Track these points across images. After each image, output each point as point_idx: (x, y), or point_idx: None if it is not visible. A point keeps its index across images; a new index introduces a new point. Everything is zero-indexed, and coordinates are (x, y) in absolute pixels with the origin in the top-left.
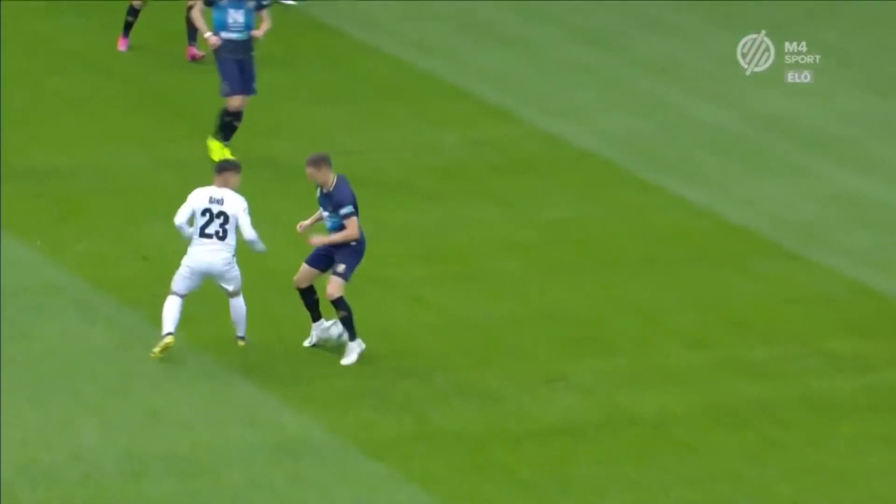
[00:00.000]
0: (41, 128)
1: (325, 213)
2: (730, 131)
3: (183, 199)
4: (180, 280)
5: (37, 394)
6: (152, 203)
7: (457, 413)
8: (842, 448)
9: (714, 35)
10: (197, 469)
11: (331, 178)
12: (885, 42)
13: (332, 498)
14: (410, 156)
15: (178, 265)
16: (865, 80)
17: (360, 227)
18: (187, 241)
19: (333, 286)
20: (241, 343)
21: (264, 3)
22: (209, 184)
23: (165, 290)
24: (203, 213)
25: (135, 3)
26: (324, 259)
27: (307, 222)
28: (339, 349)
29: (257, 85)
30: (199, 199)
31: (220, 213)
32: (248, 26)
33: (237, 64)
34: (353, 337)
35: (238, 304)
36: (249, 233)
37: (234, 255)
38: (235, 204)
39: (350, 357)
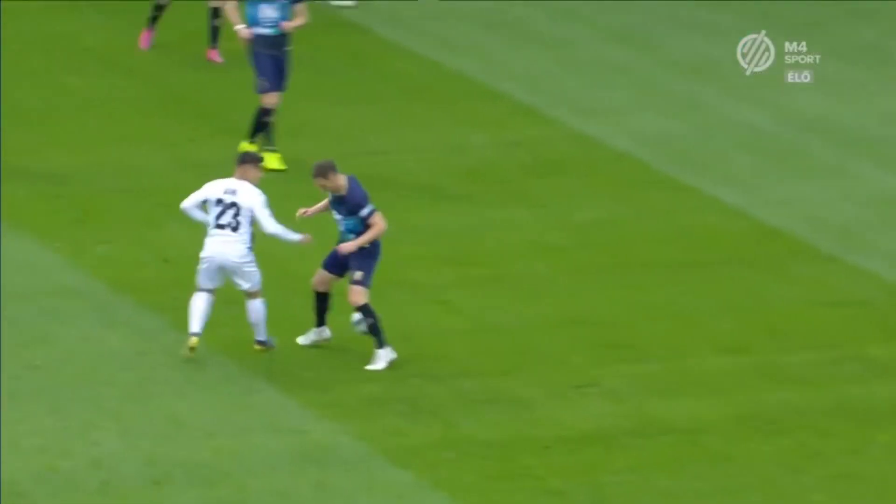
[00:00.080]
0: (60, 128)
1: (340, 217)
2: (766, 131)
3: None
4: (201, 274)
5: (55, 400)
6: (173, 204)
7: (485, 420)
8: (879, 456)
9: (748, 34)
10: (219, 477)
11: (342, 182)
12: None
13: None
14: (438, 157)
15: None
16: None
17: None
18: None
19: (356, 295)
20: (257, 348)
21: None
22: None
23: (187, 294)
24: (217, 204)
25: None
26: (340, 264)
27: (310, 210)
28: (365, 354)
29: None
30: (213, 189)
31: (233, 204)
32: (283, 21)
33: (272, 59)
34: (381, 344)
35: (256, 307)
36: (271, 227)
37: (249, 250)
38: (250, 197)
39: (377, 364)
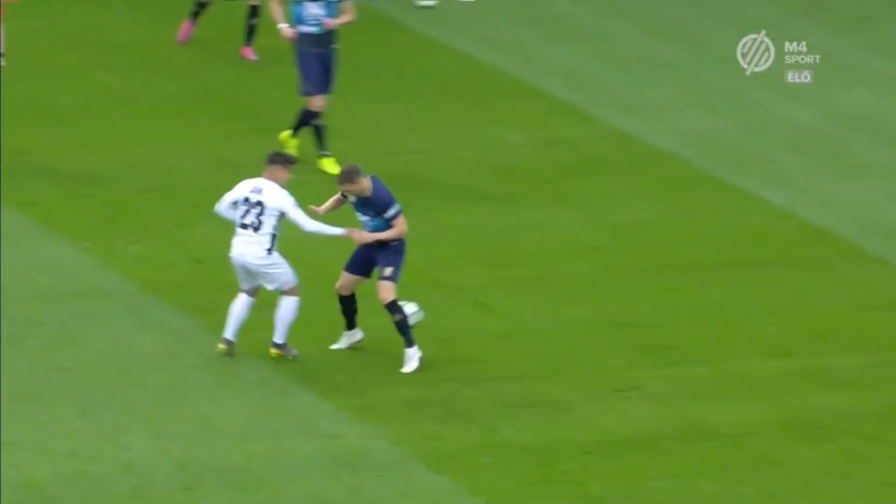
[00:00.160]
0: (90, 126)
1: (365, 218)
2: (812, 129)
3: None
4: (237, 275)
5: (86, 403)
6: (206, 204)
7: (524, 424)
8: None
9: (796, 28)
10: (252, 481)
11: (367, 184)
12: None
13: None
14: (476, 155)
15: (231, 268)
16: None
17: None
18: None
19: (385, 290)
20: (272, 352)
21: None
22: None
23: (219, 295)
24: (243, 203)
25: None
26: (364, 264)
27: (321, 209)
28: (400, 356)
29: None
30: (241, 188)
31: (258, 203)
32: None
33: (318, 59)
34: (410, 343)
35: (282, 304)
36: (310, 225)
37: (269, 252)
38: (277, 198)
39: (410, 364)
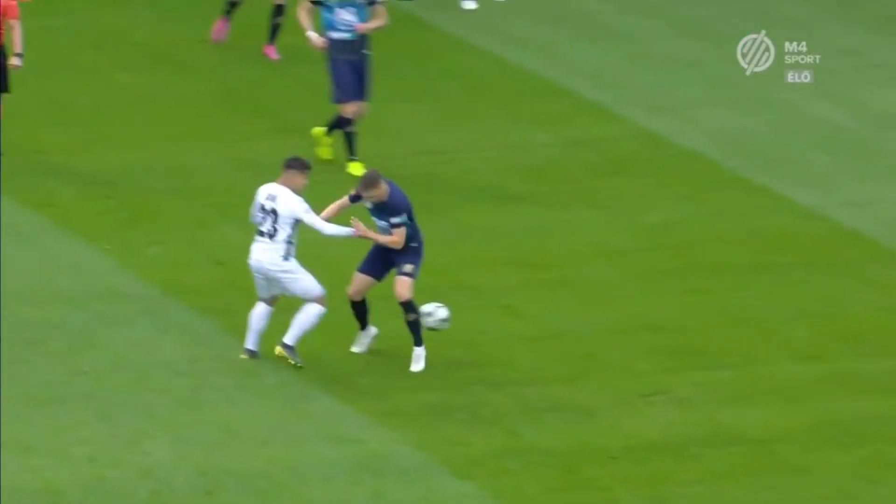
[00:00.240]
0: (109, 126)
1: (382, 223)
2: (844, 129)
3: None
4: (255, 283)
5: (105, 407)
6: (227, 205)
7: (549, 428)
8: None
9: (828, 28)
10: (273, 487)
11: (385, 189)
12: None
13: None
14: (501, 156)
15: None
16: None
17: (418, 228)
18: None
19: (403, 287)
20: (277, 349)
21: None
22: None
23: (240, 297)
24: (260, 210)
25: None
26: (378, 265)
27: (323, 214)
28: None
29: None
30: (260, 194)
31: (272, 210)
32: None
33: (350, 66)
34: (419, 342)
35: (306, 309)
36: (327, 229)
37: (285, 258)
38: (289, 205)
39: (420, 363)
